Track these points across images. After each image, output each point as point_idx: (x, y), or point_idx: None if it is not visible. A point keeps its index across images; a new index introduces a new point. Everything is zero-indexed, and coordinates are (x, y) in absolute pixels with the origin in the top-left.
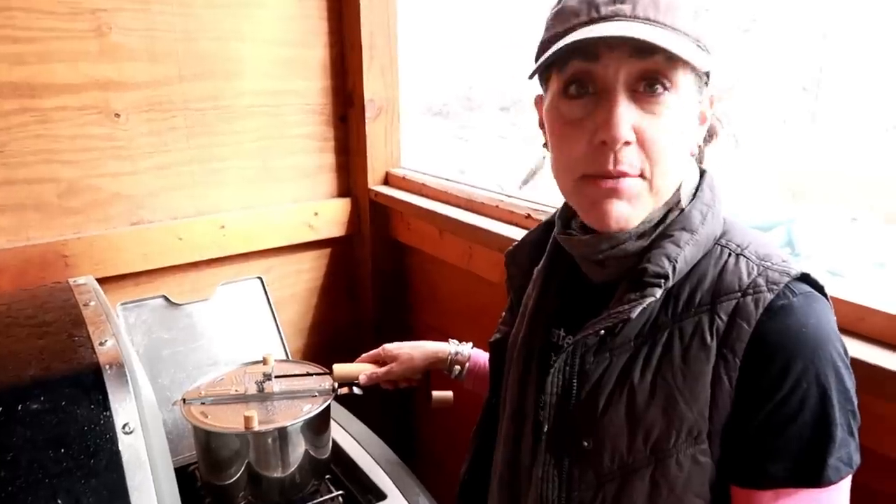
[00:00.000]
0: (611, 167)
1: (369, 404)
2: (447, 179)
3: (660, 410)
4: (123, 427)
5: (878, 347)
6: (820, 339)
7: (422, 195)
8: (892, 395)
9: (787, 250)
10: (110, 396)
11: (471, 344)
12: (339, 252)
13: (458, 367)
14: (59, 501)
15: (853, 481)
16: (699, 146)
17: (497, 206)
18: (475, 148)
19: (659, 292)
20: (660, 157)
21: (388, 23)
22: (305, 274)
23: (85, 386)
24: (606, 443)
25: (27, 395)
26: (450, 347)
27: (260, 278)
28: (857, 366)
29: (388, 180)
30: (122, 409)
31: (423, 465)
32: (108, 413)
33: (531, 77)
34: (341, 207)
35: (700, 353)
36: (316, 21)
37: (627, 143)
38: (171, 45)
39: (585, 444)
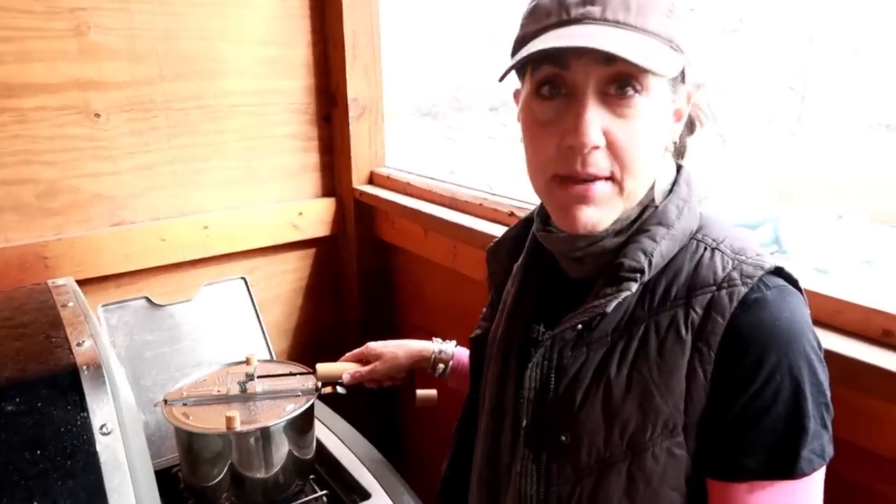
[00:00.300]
0: (579, 169)
1: (355, 404)
2: (431, 178)
3: (636, 404)
4: (101, 428)
5: (855, 340)
6: (793, 332)
7: (406, 194)
8: (868, 388)
9: (773, 248)
10: (87, 397)
11: (454, 342)
12: (324, 252)
13: (441, 366)
14: (36, 503)
15: (830, 473)
16: (680, 138)
17: (481, 205)
18: (464, 148)
19: (634, 286)
20: (629, 161)
21: (371, 22)
22: (290, 274)
23: (62, 387)
24: (584, 437)
25: (2, 397)
26: (433, 346)
27: (244, 278)
28: (835, 359)
29: (372, 180)
30: (100, 410)
31: (409, 464)
32: (85, 414)
33: (501, 80)
34: (326, 207)
35: (675, 347)
36: (299, 20)
37: (596, 147)
38: (152, 45)
39: (563, 438)
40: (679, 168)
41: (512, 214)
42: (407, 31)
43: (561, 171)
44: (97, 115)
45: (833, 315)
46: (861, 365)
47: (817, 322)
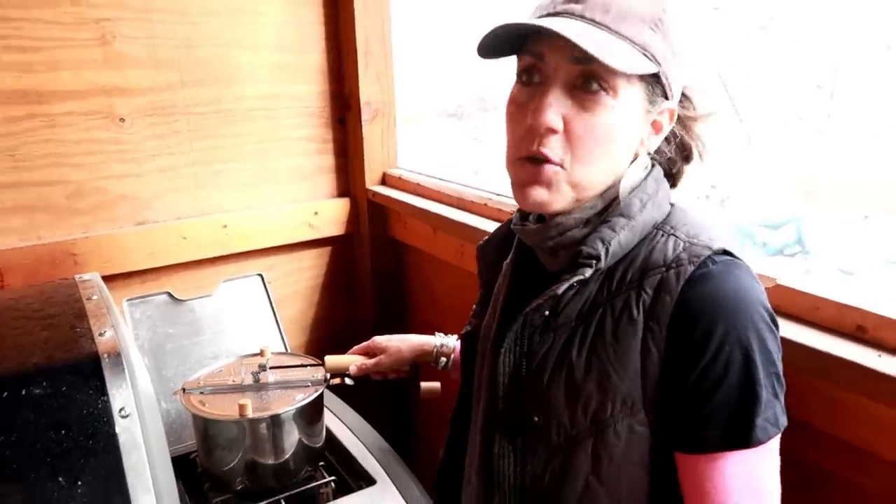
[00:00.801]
0: (534, 148)
1: (366, 395)
2: (440, 179)
3: (595, 383)
4: (120, 411)
5: (830, 335)
6: (740, 302)
7: (417, 195)
8: (841, 382)
9: (796, 248)
10: (108, 383)
11: (456, 337)
12: (339, 250)
13: (443, 359)
14: (61, 479)
15: (803, 460)
16: (674, 163)
17: (485, 205)
18: (489, 149)
19: (589, 272)
20: (581, 151)
21: (383, 29)
22: (306, 272)
23: (84, 373)
24: (552, 417)
25: (31, 382)
26: (435, 340)
27: (260, 275)
28: (810, 353)
29: (385, 180)
30: (119, 395)
31: (417, 453)
32: (105, 398)
33: (483, 56)
34: (340, 207)
35: (628, 328)
36: (313, 27)
37: (553, 130)
38: (173, 52)
39: (536, 419)
40: (652, 167)
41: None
42: (432, 32)
43: (521, 153)
44: (122, 120)
45: (810, 311)
46: (834, 359)
47: (794, 317)
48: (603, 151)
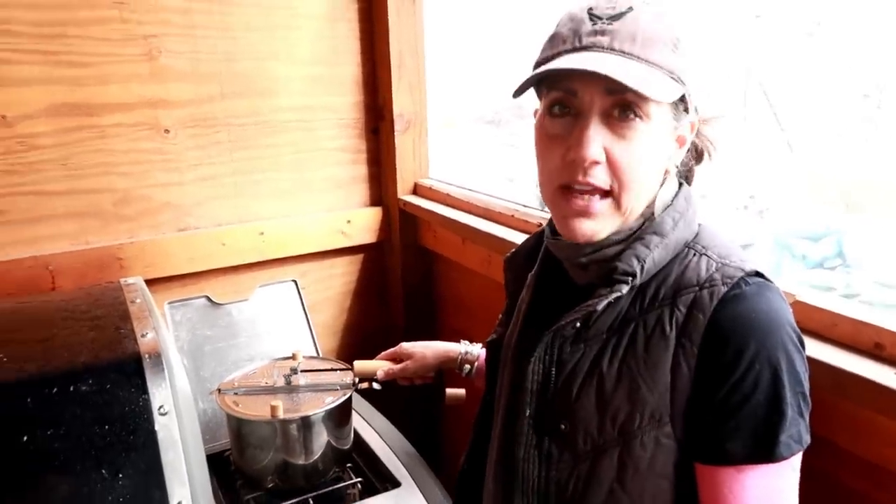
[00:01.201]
0: (580, 178)
1: (394, 401)
2: (469, 190)
3: (625, 395)
4: (159, 409)
5: (847, 352)
6: (771, 323)
7: (446, 205)
8: (858, 399)
9: (836, 261)
10: (148, 382)
11: (480, 345)
12: (371, 258)
13: (467, 366)
14: (104, 471)
15: (824, 475)
16: (688, 166)
17: (513, 216)
18: (524, 155)
19: (625, 288)
20: (626, 178)
21: (416, 43)
22: (339, 278)
23: (127, 372)
24: (580, 425)
25: (78, 379)
26: (460, 347)
27: (294, 281)
28: (828, 370)
29: (416, 190)
30: (159, 393)
31: (444, 458)
32: (146, 396)
33: (515, 96)
34: (373, 216)
35: (660, 343)
36: (348, 41)
37: (596, 162)
38: (215, 66)
39: (563, 426)
40: (680, 185)
41: (540, 226)
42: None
43: (564, 181)
44: (166, 131)
45: (829, 328)
46: (851, 376)
47: (813, 334)
48: (644, 175)
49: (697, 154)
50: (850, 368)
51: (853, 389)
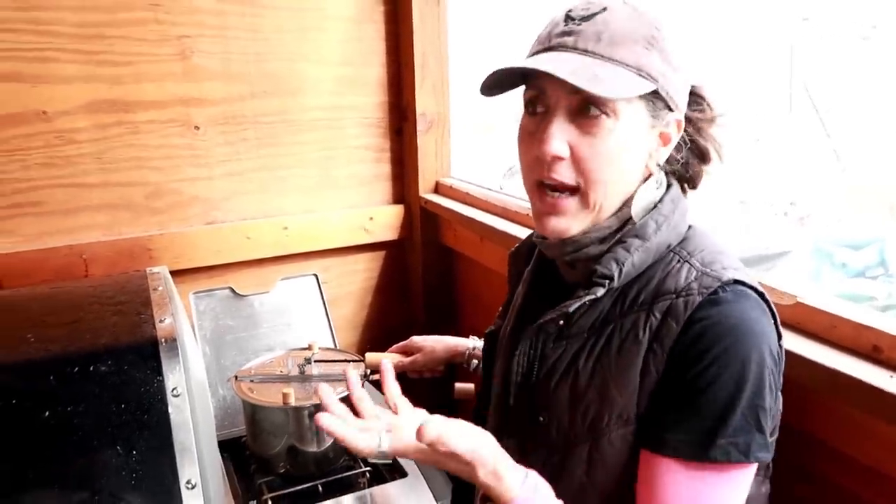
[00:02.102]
0: (545, 174)
1: (409, 395)
2: (488, 189)
3: (596, 394)
4: (172, 391)
5: (846, 355)
6: (741, 329)
7: (466, 203)
8: (855, 402)
9: (878, 270)
10: (163, 365)
11: None
12: (392, 255)
13: (475, 361)
14: (118, 447)
15: (820, 478)
16: (687, 166)
17: (528, 215)
18: None
19: (601, 291)
20: (592, 174)
21: (440, 45)
22: (360, 274)
23: (144, 355)
24: (554, 418)
25: (98, 360)
26: (469, 342)
27: (315, 275)
28: (826, 372)
29: (437, 189)
30: (172, 376)
31: None
32: (160, 378)
33: (489, 95)
34: (395, 213)
35: (633, 347)
36: (374, 43)
37: (558, 157)
38: (245, 66)
39: (541, 418)
40: (669, 187)
41: None
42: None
43: (536, 177)
44: (196, 128)
45: (827, 329)
46: (848, 378)
47: (812, 335)
48: (612, 171)
49: (701, 154)
50: (847, 371)
51: (849, 392)
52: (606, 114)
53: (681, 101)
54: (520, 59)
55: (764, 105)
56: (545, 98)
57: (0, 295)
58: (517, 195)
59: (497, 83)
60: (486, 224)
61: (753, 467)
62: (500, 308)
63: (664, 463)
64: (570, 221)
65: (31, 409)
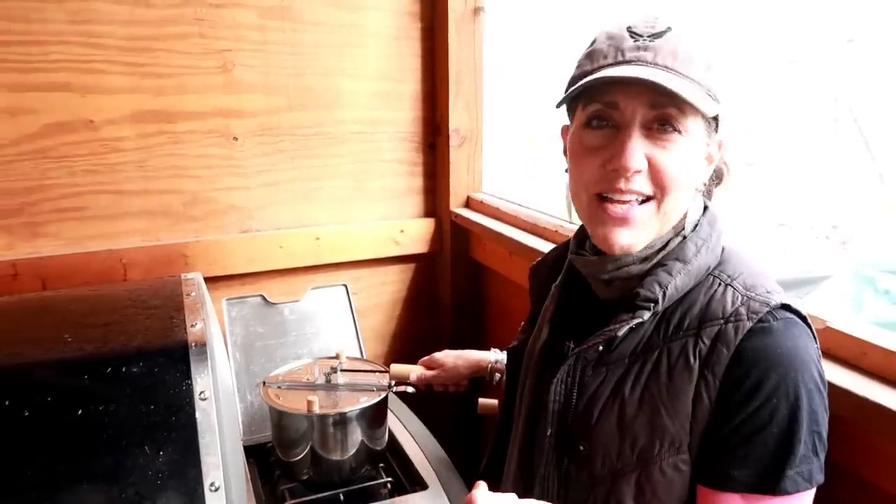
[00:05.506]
0: (622, 187)
1: (434, 407)
2: (518, 205)
3: (645, 421)
4: (200, 394)
5: (876, 382)
6: (794, 359)
7: (496, 218)
8: (886, 432)
9: None
10: (192, 368)
11: None
12: (422, 267)
13: (498, 375)
14: (146, 447)
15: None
16: (706, 185)
17: (556, 231)
18: None
19: (647, 314)
20: (668, 183)
21: (474, 63)
22: (390, 286)
23: (174, 358)
24: (599, 448)
25: (130, 361)
26: (490, 356)
27: (345, 286)
28: (855, 399)
29: (468, 203)
30: (201, 380)
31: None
32: (189, 381)
33: (558, 107)
34: (426, 227)
35: (684, 373)
36: (410, 59)
37: (638, 171)
38: (283, 80)
39: (582, 448)
40: (706, 208)
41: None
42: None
43: (604, 190)
44: (235, 139)
45: (857, 356)
46: (877, 407)
47: (842, 362)
48: (682, 183)
49: (717, 175)
50: (876, 399)
51: (878, 420)
52: (679, 131)
53: (723, 124)
54: (609, 72)
55: (806, 127)
56: (616, 112)
57: (42, 296)
58: (546, 211)
59: (567, 96)
60: (515, 239)
61: (813, 490)
62: (523, 323)
63: (732, 500)
64: (639, 233)
65: (66, 407)
